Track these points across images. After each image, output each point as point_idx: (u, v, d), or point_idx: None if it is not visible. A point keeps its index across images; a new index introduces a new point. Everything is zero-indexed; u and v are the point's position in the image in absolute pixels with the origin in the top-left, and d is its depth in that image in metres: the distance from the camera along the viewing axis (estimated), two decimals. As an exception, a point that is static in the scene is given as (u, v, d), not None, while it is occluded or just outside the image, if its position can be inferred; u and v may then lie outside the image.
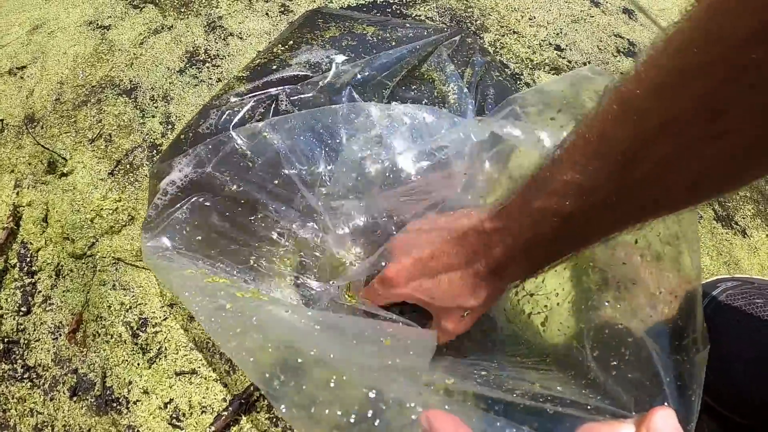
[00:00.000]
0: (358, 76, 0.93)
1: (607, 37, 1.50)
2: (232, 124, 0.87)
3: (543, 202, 0.45)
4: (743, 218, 1.23)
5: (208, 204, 0.79)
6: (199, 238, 0.77)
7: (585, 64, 1.40)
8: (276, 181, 0.81)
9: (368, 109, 0.86)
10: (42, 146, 1.04)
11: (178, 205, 0.79)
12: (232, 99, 0.92)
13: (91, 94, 1.18)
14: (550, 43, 1.42)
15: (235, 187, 0.80)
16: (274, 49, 1.04)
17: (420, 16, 1.40)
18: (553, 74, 1.34)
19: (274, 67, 0.99)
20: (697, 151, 0.34)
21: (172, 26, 1.31)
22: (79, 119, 1.13)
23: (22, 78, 1.30)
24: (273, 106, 0.91)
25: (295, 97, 0.91)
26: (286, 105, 0.91)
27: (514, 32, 1.43)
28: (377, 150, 0.80)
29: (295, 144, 0.83)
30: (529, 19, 1.49)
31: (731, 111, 0.31)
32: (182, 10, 1.36)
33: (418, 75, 1.02)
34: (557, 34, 1.47)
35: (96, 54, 1.27)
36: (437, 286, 0.53)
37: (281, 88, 0.93)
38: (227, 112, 0.88)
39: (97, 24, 1.37)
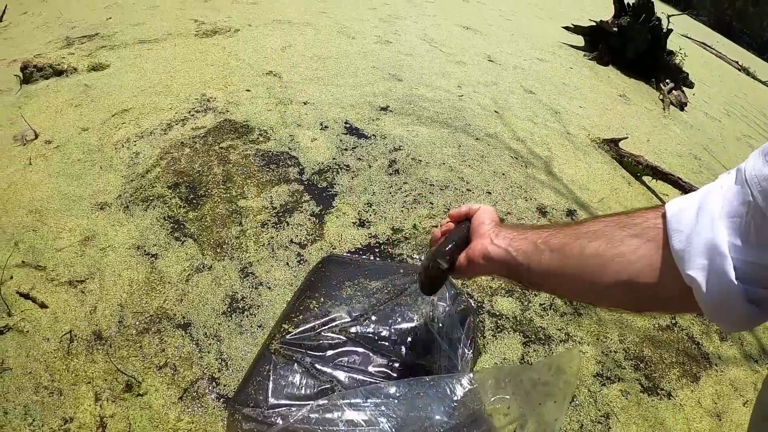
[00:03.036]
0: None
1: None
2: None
3: (519, 243, 0.80)
4: (669, 382, 1.92)
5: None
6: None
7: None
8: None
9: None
10: (119, 370, 1.48)
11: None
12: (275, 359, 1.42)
13: (150, 323, 1.66)
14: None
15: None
16: (302, 305, 1.57)
17: (403, 255, 2.15)
18: (508, 297, 2.03)
19: (305, 328, 1.52)
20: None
21: (211, 267, 1.86)
22: (144, 345, 1.60)
23: (83, 293, 1.75)
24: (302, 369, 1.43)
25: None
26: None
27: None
28: None
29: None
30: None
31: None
32: (218, 250, 1.92)
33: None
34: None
35: (149, 283, 1.78)
36: None
37: (304, 351, 1.46)
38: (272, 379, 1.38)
39: (145, 250, 1.93)
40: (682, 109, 5.10)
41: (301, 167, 2.46)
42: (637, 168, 3.15)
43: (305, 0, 5.45)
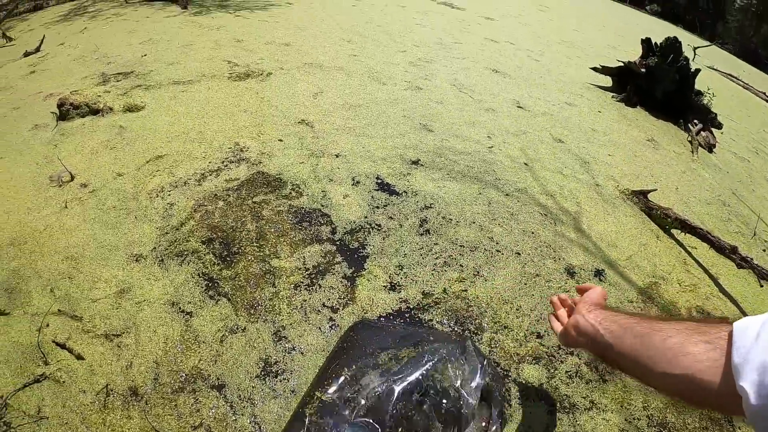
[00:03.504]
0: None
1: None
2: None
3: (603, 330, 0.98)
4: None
5: None
6: None
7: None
8: None
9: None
10: (155, 429, 1.55)
11: None
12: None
13: (185, 382, 1.74)
14: (533, 332, 2.24)
15: None
16: (333, 373, 1.62)
17: (433, 320, 2.20)
18: (534, 364, 2.07)
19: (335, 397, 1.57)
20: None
21: (245, 328, 1.95)
22: (179, 404, 1.67)
23: (119, 347, 1.83)
24: None
25: None
26: None
27: (505, 327, 2.25)
28: None
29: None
30: (516, 309, 2.34)
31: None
32: (251, 311, 2.00)
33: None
34: (538, 320, 2.30)
35: (184, 341, 1.88)
36: None
37: (334, 418, 1.50)
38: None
39: (180, 307, 2.05)
40: (710, 151, 5.10)
41: (333, 226, 2.56)
42: (666, 221, 3.18)
43: (336, 42, 5.68)
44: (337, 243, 2.45)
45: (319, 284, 2.20)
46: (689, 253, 2.98)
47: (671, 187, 3.75)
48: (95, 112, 3.64)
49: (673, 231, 3.16)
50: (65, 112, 3.63)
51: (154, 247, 2.32)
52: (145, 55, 4.79)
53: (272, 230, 2.46)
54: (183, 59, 4.66)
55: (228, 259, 2.27)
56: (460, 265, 2.44)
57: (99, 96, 3.77)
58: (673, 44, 5.48)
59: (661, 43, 5.60)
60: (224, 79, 4.18)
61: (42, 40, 5.53)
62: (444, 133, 3.71)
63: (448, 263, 2.43)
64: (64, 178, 2.85)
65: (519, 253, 2.59)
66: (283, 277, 2.20)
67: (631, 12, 18.91)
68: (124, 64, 4.58)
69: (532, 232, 2.76)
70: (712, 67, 11.12)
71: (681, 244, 3.04)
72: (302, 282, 2.20)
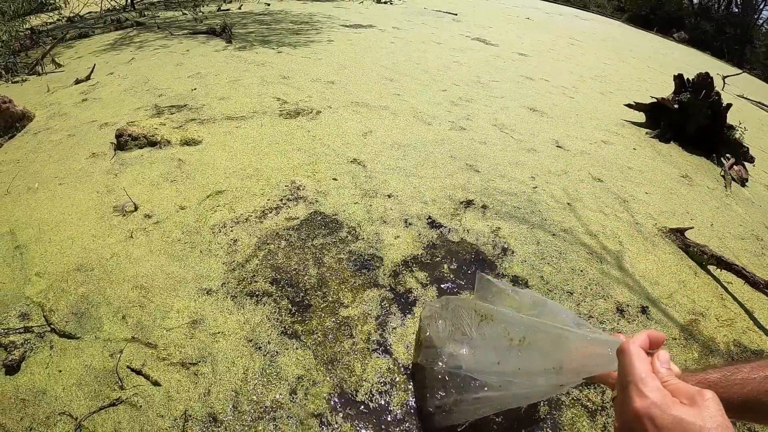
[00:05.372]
0: None
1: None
2: None
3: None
4: None
5: None
6: None
7: None
8: None
9: None
10: None
11: None
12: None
13: (264, 413, 1.88)
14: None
15: None
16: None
17: None
18: None
19: None
20: None
21: (322, 382, 2.03)
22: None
23: (195, 375, 1.99)
24: None
25: None
26: None
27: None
28: None
29: None
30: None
31: None
32: (329, 366, 2.15)
33: None
34: None
35: (264, 375, 1.99)
36: None
37: None
38: None
39: (257, 345, 2.18)
40: (743, 185, 5.15)
41: (389, 269, 2.72)
42: (702, 258, 3.30)
43: (378, 80, 5.96)
44: (392, 289, 2.59)
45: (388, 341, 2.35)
46: (725, 288, 3.07)
47: (706, 224, 3.85)
48: (153, 144, 3.89)
49: (710, 267, 3.28)
50: (123, 142, 3.88)
51: (223, 283, 2.51)
52: (195, 90, 5.09)
53: (334, 278, 2.61)
54: (233, 94, 4.96)
55: (300, 303, 2.43)
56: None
57: (155, 128, 4.02)
58: (704, 79, 5.62)
59: (693, 79, 5.77)
60: (275, 116, 4.45)
61: (92, 69, 5.87)
62: (490, 173, 3.90)
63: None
64: (128, 208, 3.06)
65: (571, 292, 2.72)
66: (358, 326, 2.34)
67: (658, 41, 19.01)
68: (176, 98, 4.88)
69: (581, 270, 2.91)
70: (742, 96, 11.12)
71: (717, 280, 3.14)
72: (372, 337, 2.31)
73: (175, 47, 7.00)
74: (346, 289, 2.55)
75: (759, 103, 11.57)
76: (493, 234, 3.11)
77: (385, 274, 2.67)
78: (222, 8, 10.83)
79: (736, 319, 2.81)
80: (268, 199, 3.16)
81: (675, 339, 2.56)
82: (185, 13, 9.99)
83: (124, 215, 3.02)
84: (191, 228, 2.89)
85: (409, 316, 2.43)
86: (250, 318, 2.32)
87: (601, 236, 3.32)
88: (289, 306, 2.41)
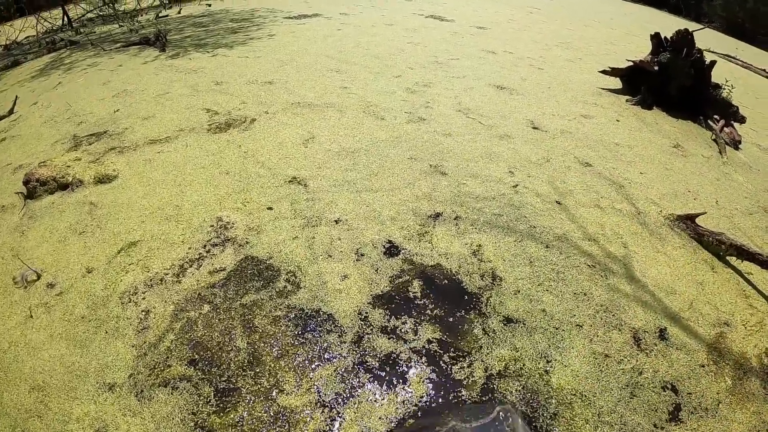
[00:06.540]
0: None
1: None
2: None
3: None
4: None
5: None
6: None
7: None
8: None
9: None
10: None
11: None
12: None
13: None
14: None
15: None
16: None
17: None
18: None
19: None
20: None
21: None
22: None
23: None
24: None
25: None
26: None
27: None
28: None
29: None
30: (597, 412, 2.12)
31: None
32: None
33: None
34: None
35: None
36: None
37: None
38: None
39: None
40: (736, 148, 4.93)
41: (346, 326, 2.26)
42: (719, 248, 2.99)
43: (323, 73, 5.45)
44: (351, 357, 2.14)
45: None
46: (747, 280, 2.81)
47: (711, 202, 3.56)
48: (64, 187, 3.39)
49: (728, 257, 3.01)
50: (32, 189, 3.39)
51: (131, 374, 2.05)
52: (118, 110, 4.55)
53: (267, 352, 2.14)
54: (159, 111, 4.43)
55: (220, 388, 1.98)
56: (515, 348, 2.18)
57: (68, 166, 3.52)
58: (684, 37, 5.31)
59: (671, 37, 5.43)
60: (203, 133, 3.94)
61: (15, 102, 5.31)
62: (459, 173, 3.44)
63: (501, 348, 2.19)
64: (29, 277, 2.62)
65: (581, 326, 2.35)
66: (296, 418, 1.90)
67: (618, 2, 18.90)
68: (97, 123, 4.35)
69: (585, 294, 2.52)
70: (708, 50, 10.87)
71: (738, 271, 2.86)
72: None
73: (104, 64, 6.41)
74: (285, 367, 2.08)
75: (727, 55, 11.37)
76: (474, 256, 2.67)
77: (340, 337, 2.21)
78: (160, 15, 10.09)
79: (764, 319, 2.53)
80: (189, 248, 2.67)
81: (703, 367, 2.23)
82: (122, 26, 9.33)
83: (25, 287, 2.57)
84: (98, 299, 2.42)
85: (382, 402, 1.97)
86: (156, 413, 1.85)
87: (601, 239, 2.93)
88: (210, 393, 1.96)
